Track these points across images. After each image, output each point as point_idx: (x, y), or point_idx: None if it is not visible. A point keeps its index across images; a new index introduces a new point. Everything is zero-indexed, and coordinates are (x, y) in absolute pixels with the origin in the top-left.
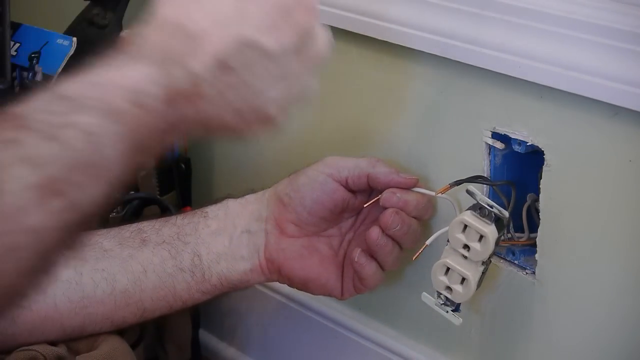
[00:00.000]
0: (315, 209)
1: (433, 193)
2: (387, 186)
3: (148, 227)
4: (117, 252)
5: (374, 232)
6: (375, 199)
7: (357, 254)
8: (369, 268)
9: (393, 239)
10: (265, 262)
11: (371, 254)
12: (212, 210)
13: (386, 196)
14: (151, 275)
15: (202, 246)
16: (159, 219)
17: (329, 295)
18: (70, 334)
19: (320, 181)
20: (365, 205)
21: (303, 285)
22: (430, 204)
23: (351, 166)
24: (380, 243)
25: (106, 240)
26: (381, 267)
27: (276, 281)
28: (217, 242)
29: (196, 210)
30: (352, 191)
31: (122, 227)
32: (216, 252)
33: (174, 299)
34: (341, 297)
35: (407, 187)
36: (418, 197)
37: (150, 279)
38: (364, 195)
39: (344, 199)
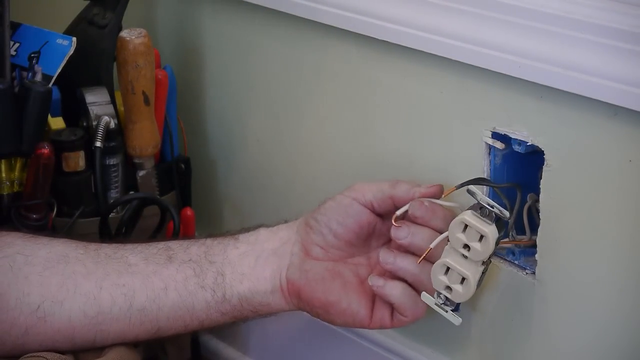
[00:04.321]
0: (340, 231)
1: (457, 205)
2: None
3: (176, 245)
4: (142, 268)
5: (402, 230)
6: (405, 208)
7: (370, 276)
8: (390, 288)
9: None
10: (287, 284)
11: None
12: (243, 235)
13: (414, 205)
14: (171, 293)
15: (228, 266)
16: (189, 241)
17: (353, 323)
18: (79, 347)
19: (345, 204)
20: (395, 214)
21: (324, 311)
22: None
23: (375, 190)
24: (407, 239)
25: (132, 255)
26: (419, 290)
27: (298, 309)
28: (243, 263)
29: (227, 233)
30: (379, 215)
31: (149, 243)
32: (240, 273)
33: (191, 318)
34: (368, 324)
35: (433, 197)
36: (445, 209)
37: (170, 296)
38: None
39: (370, 222)
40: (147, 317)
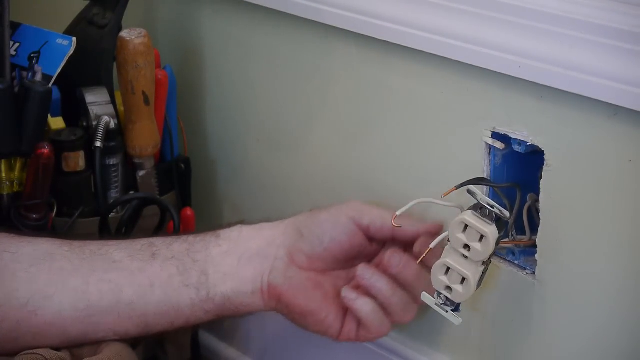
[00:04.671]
0: (331, 247)
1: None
2: (414, 238)
3: (159, 242)
4: (127, 264)
5: (367, 271)
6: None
7: (344, 288)
8: (361, 304)
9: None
10: (268, 287)
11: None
12: (224, 232)
13: (393, 254)
14: (157, 290)
15: (211, 265)
16: (171, 235)
17: (325, 333)
18: (73, 341)
19: (342, 222)
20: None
21: (301, 317)
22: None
23: (375, 215)
24: (369, 282)
25: (117, 251)
26: (387, 312)
27: (274, 310)
28: (225, 262)
29: (208, 230)
30: (369, 239)
31: (133, 239)
32: (223, 272)
33: (177, 315)
34: (338, 337)
35: (434, 235)
36: (420, 268)
37: (156, 293)
38: (379, 244)
39: (361, 244)
40: (135, 312)
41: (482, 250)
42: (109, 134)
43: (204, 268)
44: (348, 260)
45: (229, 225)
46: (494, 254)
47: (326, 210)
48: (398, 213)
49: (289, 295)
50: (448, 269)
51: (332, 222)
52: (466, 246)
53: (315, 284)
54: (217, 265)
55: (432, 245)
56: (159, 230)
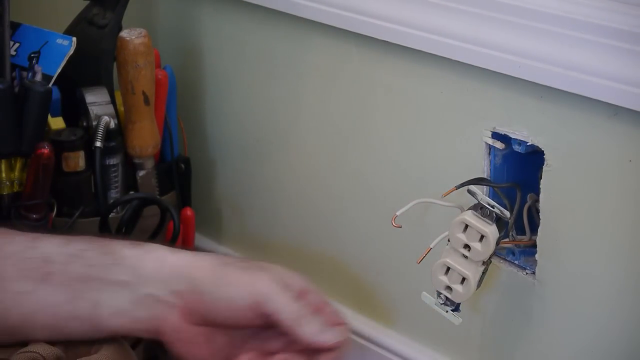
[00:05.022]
0: (226, 322)
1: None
2: (312, 345)
3: (59, 258)
4: (15, 286)
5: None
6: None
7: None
8: None
9: None
10: (157, 332)
11: None
12: (128, 255)
13: None
14: (42, 316)
15: (104, 294)
16: (73, 250)
17: None
18: None
19: (241, 307)
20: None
21: None
22: None
23: (279, 306)
24: None
25: (9, 267)
26: None
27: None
28: (120, 295)
29: (115, 245)
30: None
31: (33, 248)
32: (115, 306)
33: (69, 337)
34: None
35: (335, 352)
36: None
37: (41, 320)
38: None
39: (255, 325)
40: (23, 335)
41: (482, 250)
42: (109, 134)
43: (97, 298)
44: (243, 330)
45: (134, 244)
46: (494, 254)
47: (234, 282)
48: (398, 213)
49: (175, 347)
50: (448, 268)
51: (232, 303)
52: (466, 246)
53: (205, 339)
54: (111, 296)
55: (432, 245)
56: (159, 230)
